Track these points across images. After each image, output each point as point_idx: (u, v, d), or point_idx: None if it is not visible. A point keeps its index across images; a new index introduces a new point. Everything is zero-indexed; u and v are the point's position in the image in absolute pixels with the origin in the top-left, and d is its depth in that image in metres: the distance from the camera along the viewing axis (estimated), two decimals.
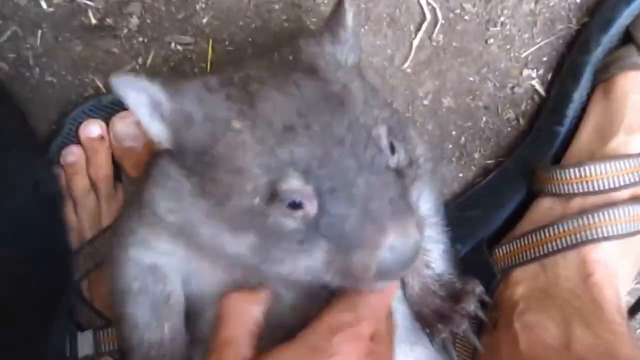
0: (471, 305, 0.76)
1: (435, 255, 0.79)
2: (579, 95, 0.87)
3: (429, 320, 0.78)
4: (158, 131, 0.65)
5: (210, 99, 0.63)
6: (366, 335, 0.63)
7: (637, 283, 0.94)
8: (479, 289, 0.76)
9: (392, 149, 0.63)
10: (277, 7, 0.90)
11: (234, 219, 0.63)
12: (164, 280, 0.75)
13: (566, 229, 0.80)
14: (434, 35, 0.90)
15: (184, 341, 0.77)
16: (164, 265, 0.75)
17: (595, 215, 0.78)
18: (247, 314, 0.65)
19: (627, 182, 0.78)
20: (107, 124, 0.93)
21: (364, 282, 0.61)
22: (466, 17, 0.90)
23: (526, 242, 0.82)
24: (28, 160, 0.87)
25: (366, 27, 0.89)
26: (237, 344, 0.63)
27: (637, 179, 0.79)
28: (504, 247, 0.84)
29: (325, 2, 0.90)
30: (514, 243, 0.83)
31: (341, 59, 0.66)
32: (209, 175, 0.64)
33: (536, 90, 0.91)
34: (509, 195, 0.89)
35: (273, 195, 0.59)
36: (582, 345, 0.74)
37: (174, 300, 0.77)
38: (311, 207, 0.59)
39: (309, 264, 0.62)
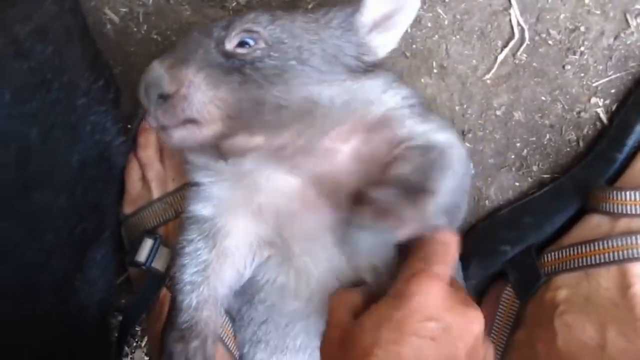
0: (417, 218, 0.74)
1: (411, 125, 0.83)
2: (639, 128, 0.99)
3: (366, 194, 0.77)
4: None
5: None
6: (439, 275, 0.75)
7: None
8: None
9: (246, 43, 0.80)
10: None
11: None
12: (220, 236, 0.90)
13: (613, 245, 0.92)
14: (518, 53, 1.02)
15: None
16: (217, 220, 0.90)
17: None
18: (347, 301, 0.80)
19: None
20: None
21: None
22: (550, 42, 1.02)
23: (574, 252, 0.95)
24: (100, 118, 0.97)
25: (457, 36, 1.01)
26: (341, 322, 0.77)
27: None
28: (552, 253, 0.98)
29: None
30: (562, 251, 0.97)
31: None
32: None
33: (600, 118, 1.04)
34: (561, 209, 1.02)
35: None
36: (615, 348, 0.87)
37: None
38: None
39: None
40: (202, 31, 0.84)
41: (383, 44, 0.87)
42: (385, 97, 0.85)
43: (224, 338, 0.99)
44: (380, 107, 0.84)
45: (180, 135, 0.78)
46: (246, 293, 0.95)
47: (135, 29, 1.09)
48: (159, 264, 1.02)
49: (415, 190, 0.76)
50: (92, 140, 0.93)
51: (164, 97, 0.77)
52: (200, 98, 0.77)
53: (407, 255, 0.79)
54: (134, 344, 1.26)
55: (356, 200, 0.76)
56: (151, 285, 1.03)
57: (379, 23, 0.86)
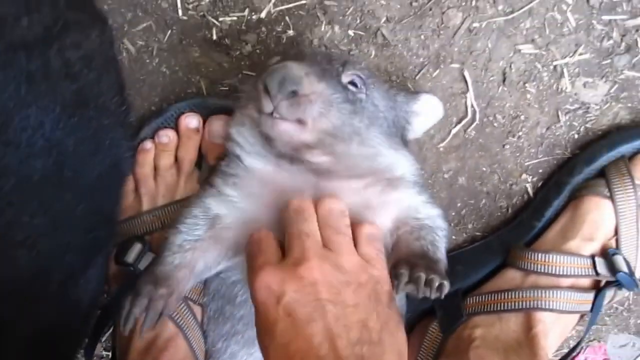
0: (437, 281, 0.93)
1: (427, 214, 1.07)
2: (557, 203, 1.24)
3: (402, 260, 0.98)
4: None
5: None
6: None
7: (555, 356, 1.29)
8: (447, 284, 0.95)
9: (355, 84, 1.01)
10: None
11: None
12: (220, 224, 1.06)
13: (522, 296, 1.17)
14: (469, 130, 1.26)
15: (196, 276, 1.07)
16: (224, 217, 1.06)
17: (545, 291, 1.15)
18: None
19: (571, 273, 1.15)
20: (204, 120, 1.23)
21: (260, 101, 0.95)
22: (495, 124, 1.26)
23: (491, 298, 1.19)
24: (117, 135, 1.08)
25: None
26: (315, 234, 0.92)
27: (578, 273, 1.15)
28: (474, 297, 1.21)
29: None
30: (482, 296, 1.20)
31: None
32: None
33: (527, 191, 1.29)
34: (486, 262, 1.27)
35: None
36: None
37: (219, 243, 1.06)
38: None
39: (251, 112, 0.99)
40: (324, 56, 1.05)
41: (416, 129, 1.13)
42: (409, 166, 1.08)
43: (184, 329, 1.16)
44: (400, 170, 1.06)
45: (285, 127, 0.96)
46: (225, 293, 1.13)
47: (147, 61, 1.27)
48: (144, 267, 1.16)
49: (432, 261, 1.00)
50: (109, 153, 1.06)
51: (294, 94, 0.94)
52: (319, 109, 0.95)
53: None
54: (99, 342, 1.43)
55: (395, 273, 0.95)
56: (133, 285, 1.13)
57: (419, 114, 1.12)
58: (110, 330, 1.35)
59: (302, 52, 1.11)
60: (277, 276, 0.87)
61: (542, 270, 1.18)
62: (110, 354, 1.35)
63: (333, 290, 0.86)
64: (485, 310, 1.21)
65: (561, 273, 1.17)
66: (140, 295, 1.03)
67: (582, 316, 1.23)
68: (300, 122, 0.96)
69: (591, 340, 1.41)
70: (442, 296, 0.93)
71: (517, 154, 1.29)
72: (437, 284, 0.93)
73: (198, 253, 1.08)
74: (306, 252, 0.89)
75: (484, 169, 1.30)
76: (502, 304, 1.19)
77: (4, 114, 0.89)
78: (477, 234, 1.33)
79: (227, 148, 1.10)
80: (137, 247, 1.18)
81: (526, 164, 1.30)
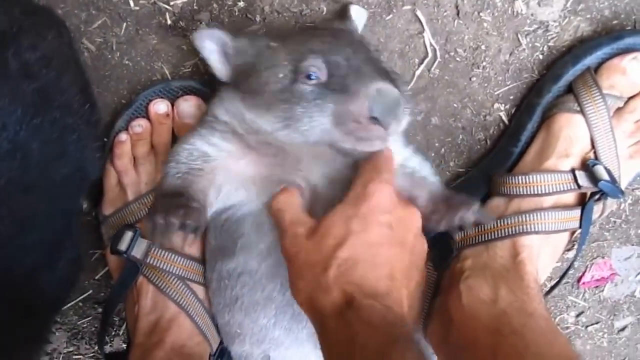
0: (473, 204, 1.14)
1: (430, 177, 1.20)
2: (530, 126, 1.34)
3: (441, 218, 1.14)
4: (221, 68, 1.17)
5: (257, 38, 1.17)
6: (388, 180, 1.06)
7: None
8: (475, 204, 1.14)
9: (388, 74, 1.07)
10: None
11: (269, 100, 1.08)
12: (208, 162, 1.17)
13: (506, 223, 1.26)
14: (432, 69, 1.36)
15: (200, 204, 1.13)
16: (212, 155, 1.17)
17: (527, 215, 1.25)
18: (296, 200, 1.10)
19: (553, 190, 1.24)
20: (172, 104, 1.33)
21: (364, 129, 1.02)
22: (457, 59, 1.35)
23: (477, 230, 1.28)
24: (82, 134, 1.16)
25: (382, 57, 1.34)
26: (301, 220, 1.06)
27: (560, 189, 1.24)
28: (461, 232, 1.29)
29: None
30: (468, 230, 1.28)
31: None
32: (253, 79, 1.11)
33: (502, 120, 1.39)
34: (471, 194, 1.29)
35: (296, 72, 1.05)
36: (504, 301, 1.19)
37: (211, 178, 1.17)
38: (322, 75, 1.05)
39: (321, 120, 1.03)
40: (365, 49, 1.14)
41: None
42: None
43: (186, 308, 1.28)
44: None
45: (377, 135, 1.05)
46: (224, 246, 1.23)
47: (109, 56, 1.35)
48: (137, 253, 1.28)
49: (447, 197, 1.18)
50: (74, 156, 1.15)
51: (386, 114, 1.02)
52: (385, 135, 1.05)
53: (359, 168, 1.09)
54: (112, 332, 1.56)
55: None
56: (130, 271, 1.30)
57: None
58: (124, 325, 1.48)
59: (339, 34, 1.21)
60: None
61: (524, 192, 1.27)
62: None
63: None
64: (473, 242, 1.30)
65: (543, 192, 1.27)
66: (172, 209, 1.08)
67: (573, 234, 1.33)
68: (379, 137, 1.07)
69: (595, 258, 1.51)
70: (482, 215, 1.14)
71: (485, 85, 1.39)
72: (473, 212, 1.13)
73: (200, 172, 1.19)
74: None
75: (455, 105, 1.40)
76: (488, 234, 1.28)
77: None
78: (460, 170, 1.44)
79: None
80: (128, 235, 1.30)
81: (496, 92, 1.39)
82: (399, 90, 1.04)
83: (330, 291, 0.99)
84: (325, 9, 1.34)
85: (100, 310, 1.53)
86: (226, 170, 1.19)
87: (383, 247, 1.02)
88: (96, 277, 1.49)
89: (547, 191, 1.27)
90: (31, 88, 1.08)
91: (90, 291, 1.52)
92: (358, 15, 1.27)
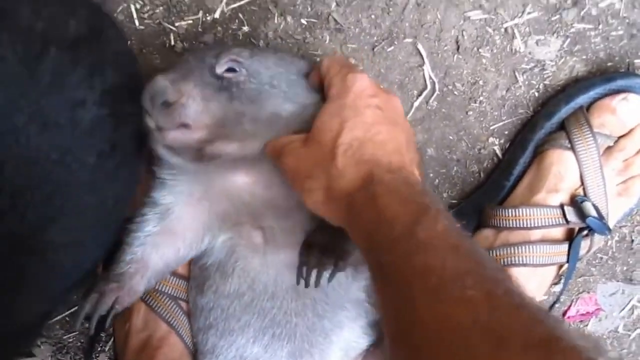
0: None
1: None
2: (522, 161, 1.40)
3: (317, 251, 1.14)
4: None
5: None
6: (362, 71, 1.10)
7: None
8: None
9: (233, 70, 1.12)
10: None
11: None
12: (170, 215, 1.22)
13: (494, 255, 1.32)
14: (430, 101, 1.41)
15: (149, 277, 1.21)
16: (172, 206, 1.21)
17: (515, 247, 1.31)
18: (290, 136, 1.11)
19: (541, 224, 1.30)
20: None
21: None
22: (455, 93, 1.41)
23: None
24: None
25: (382, 86, 1.44)
26: (293, 138, 1.08)
27: (548, 223, 1.30)
28: None
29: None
30: None
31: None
32: None
33: (496, 154, 1.45)
34: (462, 225, 1.44)
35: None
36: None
37: (172, 233, 1.22)
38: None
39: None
40: (196, 56, 1.17)
41: None
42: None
43: (177, 327, 1.30)
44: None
45: (174, 136, 1.09)
46: (198, 282, 1.27)
47: None
48: None
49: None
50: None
51: (166, 104, 1.07)
52: (195, 108, 1.08)
53: (325, 79, 1.13)
54: (98, 348, 1.60)
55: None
56: None
57: None
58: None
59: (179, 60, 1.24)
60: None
61: (513, 225, 1.34)
62: None
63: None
64: None
65: (532, 225, 1.33)
66: (92, 291, 1.18)
67: (560, 267, 1.39)
68: (185, 125, 1.09)
69: (580, 293, 1.59)
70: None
71: (481, 119, 1.45)
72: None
73: (149, 248, 1.22)
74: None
75: (451, 137, 1.46)
76: None
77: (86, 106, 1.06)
78: (453, 201, 1.50)
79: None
80: None
81: (491, 127, 1.46)
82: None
83: (345, 174, 1.00)
84: (327, 37, 1.41)
85: (87, 325, 1.54)
86: (185, 219, 1.24)
87: (381, 125, 1.04)
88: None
89: (535, 225, 1.33)
90: (125, 79, 1.17)
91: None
92: None
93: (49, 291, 1.16)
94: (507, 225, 1.35)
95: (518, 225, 1.34)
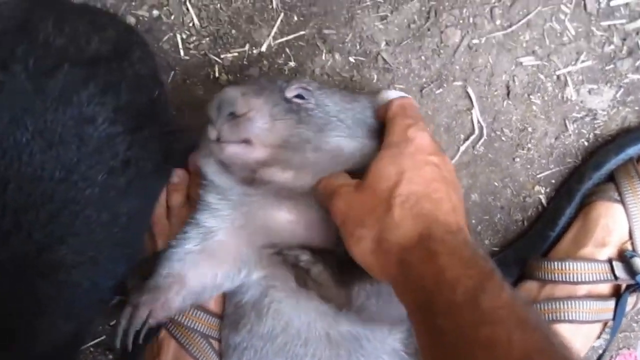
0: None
1: None
2: (569, 211, 1.38)
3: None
4: None
5: None
6: (424, 126, 1.09)
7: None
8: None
9: (301, 97, 1.12)
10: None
11: None
12: (212, 237, 1.20)
13: (540, 308, 1.28)
14: (477, 146, 1.41)
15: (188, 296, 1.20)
16: (216, 229, 1.20)
17: (561, 302, 1.28)
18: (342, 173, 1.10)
19: (588, 279, 1.28)
20: None
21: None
22: (503, 138, 1.41)
23: None
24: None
25: (428, 128, 1.43)
26: (348, 181, 1.07)
27: (596, 278, 1.28)
28: None
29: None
30: None
31: None
32: None
33: (542, 203, 1.43)
34: (504, 274, 1.38)
35: None
36: None
37: (210, 256, 1.20)
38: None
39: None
40: (268, 79, 1.17)
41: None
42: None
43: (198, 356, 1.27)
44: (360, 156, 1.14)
45: (233, 150, 1.06)
46: (232, 320, 1.24)
47: None
48: None
49: None
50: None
51: (233, 116, 1.04)
52: (262, 124, 1.05)
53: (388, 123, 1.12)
54: None
55: None
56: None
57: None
58: None
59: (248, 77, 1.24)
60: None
61: (559, 279, 1.31)
62: None
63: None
64: None
65: (578, 280, 1.30)
66: (126, 304, 1.18)
67: (605, 325, 1.36)
68: (247, 141, 1.06)
69: (621, 349, 1.56)
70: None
71: (528, 166, 1.44)
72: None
73: (188, 265, 1.21)
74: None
75: (496, 183, 1.45)
76: None
77: (96, 123, 1.06)
78: (495, 249, 1.48)
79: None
80: None
81: (538, 175, 1.45)
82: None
83: (401, 226, 0.97)
84: (375, 76, 1.41)
85: (111, 357, 1.54)
86: (226, 245, 1.22)
87: (439, 183, 1.02)
88: (111, 324, 1.51)
89: (582, 279, 1.30)
90: (144, 99, 1.16)
91: (104, 337, 1.53)
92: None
93: (71, 310, 1.15)
94: (553, 279, 1.32)
95: (564, 279, 1.31)
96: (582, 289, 1.32)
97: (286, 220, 1.18)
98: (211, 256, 1.21)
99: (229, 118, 1.05)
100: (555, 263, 1.33)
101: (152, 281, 1.21)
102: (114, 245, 1.16)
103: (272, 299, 1.20)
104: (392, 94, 1.25)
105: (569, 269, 1.31)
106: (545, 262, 1.34)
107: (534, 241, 1.43)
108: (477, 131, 1.43)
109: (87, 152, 1.06)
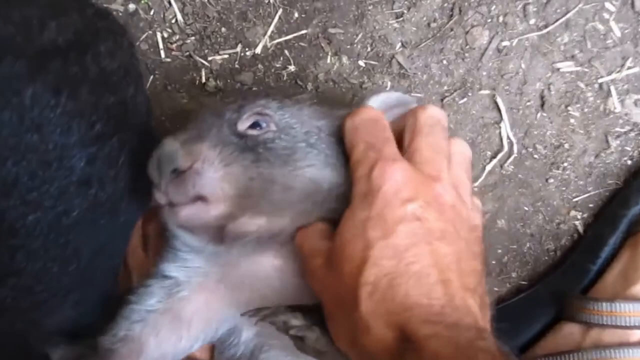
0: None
1: None
2: (613, 241, 1.25)
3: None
4: None
5: None
6: (393, 156, 0.89)
7: None
8: None
9: (258, 125, 0.98)
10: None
11: None
12: (179, 293, 1.05)
13: (586, 358, 1.17)
14: (506, 164, 1.29)
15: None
16: (183, 283, 1.05)
17: (611, 350, 1.15)
18: (315, 229, 0.94)
19: None
20: None
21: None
22: (536, 156, 1.29)
23: None
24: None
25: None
26: (317, 249, 0.91)
27: None
28: None
29: None
30: None
31: None
32: None
33: (577, 230, 1.31)
34: (536, 316, 1.27)
35: None
36: None
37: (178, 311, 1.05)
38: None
39: None
40: (214, 112, 1.02)
41: None
42: None
43: None
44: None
45: (187, 213, 0.94)
46: None
47: None
48: None
49: None
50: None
51: (177, 173, 0.93)
52: (213, 174, 0.93)
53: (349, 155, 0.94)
54: None
55: None
56: None
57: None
58: None
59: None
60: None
61: (608, 323, 1.18)
62: None
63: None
64: None
65: (632, 324, 1.17)
66: None
67: None
68: (200, 198, 0.95)
69: None
70: None
71: (563, 188, 1.32)
72: None
73: (149, 329, 1.06)
74: (442, 172, 0.90)
75: (526, 208, 1.33)
76: None
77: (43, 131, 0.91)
78: (523, 282, 1.35)
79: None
80: None
81: (574, 199, 1.32)
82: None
83: (370, 329, 0.81)
84: (389, 83, 1.30)
85: None
86: (195, 303, 1.07)
87: (419, 247, 0.83)
88: None
89: (637, 324, 1.17)
90: (111, 100, 1.01)
91: None
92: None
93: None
94: (600, 322, 1.19)
95: (614, 323, 1.18)
96: (636, 335, 1.19)
97: (272, 267, 1.02)
98: (176, 318, 1.06)
99: (173, 176, 0.94)
100: (604, 304, 1.19)
101: (106, 341, 1.06)
102: (72, 285, 1.03)
103: (268, 356, 1.07)
104: (382, 98, 1.07)
105: (620, 311, 1.18)
106: (591, 303, 1.21)
107: (572, 276, 1.29)
108: (506, 147, 1.31)
109: (29, 168, 0.91)
